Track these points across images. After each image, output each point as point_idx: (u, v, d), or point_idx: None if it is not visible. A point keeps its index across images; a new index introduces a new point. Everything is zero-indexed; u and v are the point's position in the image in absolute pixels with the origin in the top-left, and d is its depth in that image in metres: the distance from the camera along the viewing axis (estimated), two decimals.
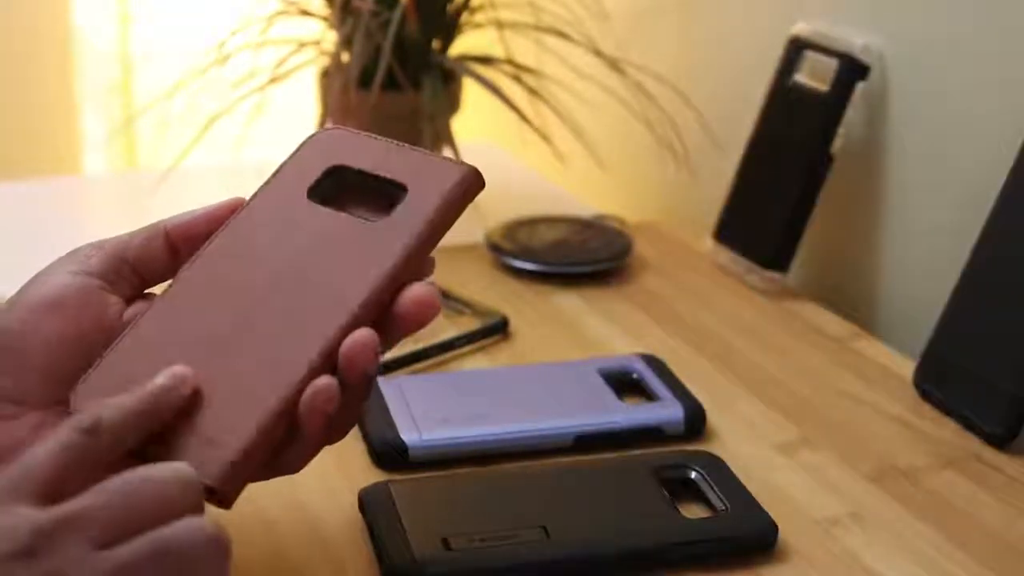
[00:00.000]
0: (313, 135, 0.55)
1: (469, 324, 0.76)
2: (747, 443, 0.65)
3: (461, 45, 1.00)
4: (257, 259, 0.50)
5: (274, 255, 0.50)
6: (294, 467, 0.48)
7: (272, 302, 0.49)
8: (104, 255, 0.51)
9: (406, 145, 0.53)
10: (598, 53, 0.96)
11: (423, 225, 0.50)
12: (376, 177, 0.52)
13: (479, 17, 0.99)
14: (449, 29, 0.98)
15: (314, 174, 0.53)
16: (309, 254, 0.50)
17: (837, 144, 0.82)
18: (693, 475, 0.60)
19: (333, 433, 0.48)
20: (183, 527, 0.40)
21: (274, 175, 0.53)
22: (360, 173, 0.52)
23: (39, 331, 0.48)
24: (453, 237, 0.96)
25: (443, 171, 0.52)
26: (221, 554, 0.41)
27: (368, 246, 0.50)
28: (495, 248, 0.88)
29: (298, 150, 0.54)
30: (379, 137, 0.54)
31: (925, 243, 0.80)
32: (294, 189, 0.52)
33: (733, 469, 0.60)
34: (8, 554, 0.38)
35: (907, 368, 0.73)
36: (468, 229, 0.95)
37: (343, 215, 0.51)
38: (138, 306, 0.51)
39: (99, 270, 0.50)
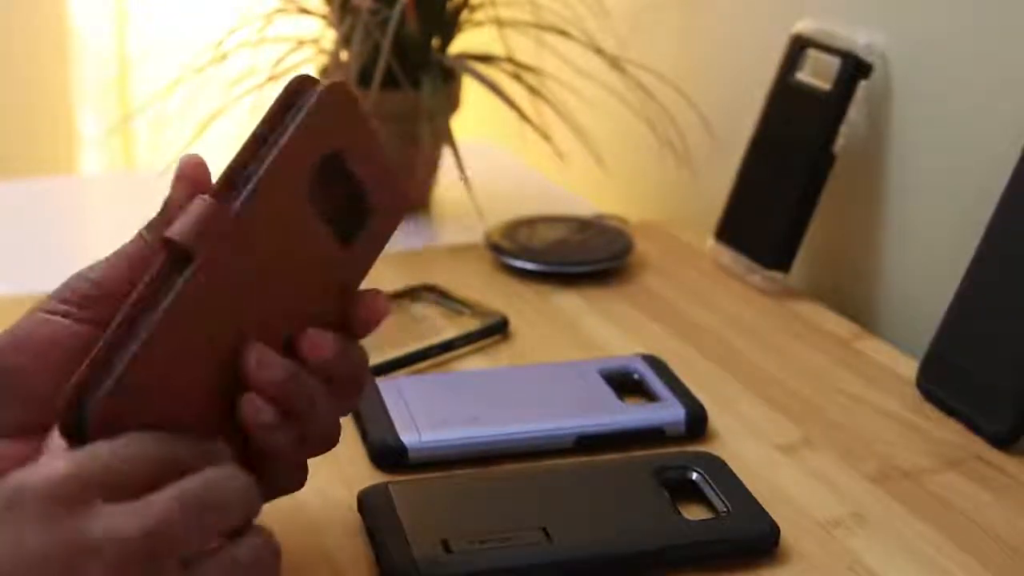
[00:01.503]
0: (324, 93, 0.47)
1: (469, 324, 0.76)
2: (748, 444, 0.65)
3: (461, 43, 1.00)
4: (260, 274, 0.47)
5: (273, 274, 0.47)
6: (289, 482, 0.49)
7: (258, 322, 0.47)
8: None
9: (383, 146, 0.50)
10: (599, 51, 0.95)
11: (373, 259, 0.50)
12: (359, 186, 0.49)
13: (479, 15, 0.99)
14: (449, 27, 0.98)
15: (315, 156, 0.47)
16: (289, 273, 0.47)
17: (839, 143, 0.82)
18: (694, 476, 0.59)
19: (314, 444, 0.48)
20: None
21: (285, 137, 0.46)
22: (349, 176, 0.49)
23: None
24: (453, 237, 0.95)
25: (399, 198, 0.50)
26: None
27: (329, 278, 0.48)
28: (495, 248, 0.87)
29: (312, 110, 0.46)
30: (371, 122, 0.49)
31: (928, 242, 0.80)
32: (296, 180, 0.47)
33: (734, 470, 0.60)
34: None
35: (909, 368, 0.72)
36: (468, 229, 0.95)
37: (324, 232, 0.48)
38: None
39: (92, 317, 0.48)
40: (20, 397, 0.48)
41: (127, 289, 0.46)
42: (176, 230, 0.44)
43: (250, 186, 0.45)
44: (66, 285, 0.49)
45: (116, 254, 0.49)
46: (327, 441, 0.49)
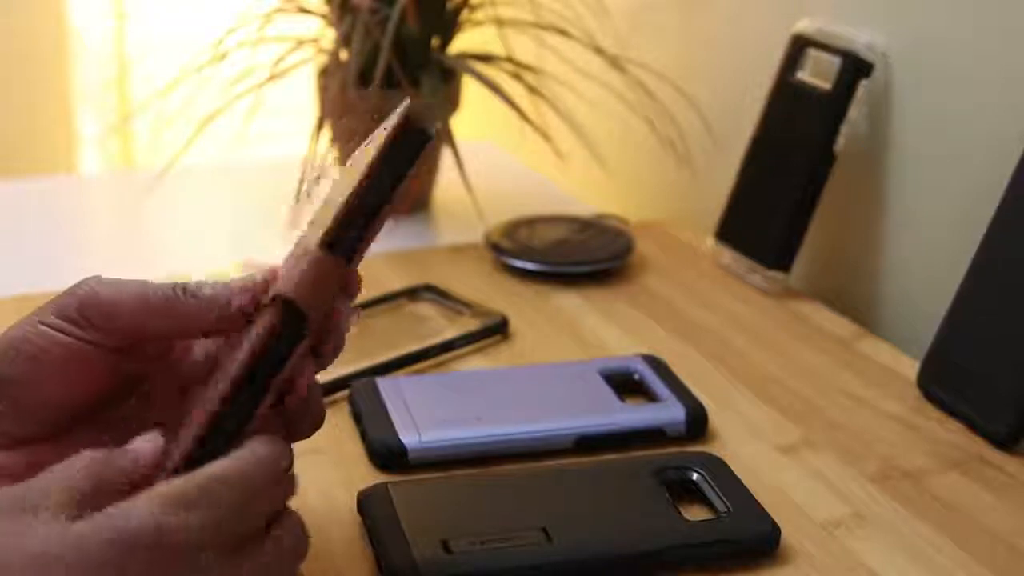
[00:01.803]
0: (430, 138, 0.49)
1: (469, 324, 0.76)
2: (749, 444, 0.65)
3: (461, 43, 1.00)
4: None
5: None
6: None
7: None
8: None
9: None
10: (598, 51, 0.95)
11: None
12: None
13: (479, 14, 0.99)
14: (449, 27, 0.98)
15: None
16: None
17: (840, 143, 0.82)
18: (695, 476, 0.59)
19: (305, 427, 0.49)
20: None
21: (396, 193, 0.48)
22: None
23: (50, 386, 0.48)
24: (453, 237, 0.95)
25: None
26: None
27: None
28: (495, 248, 0.87)
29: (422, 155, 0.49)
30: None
31: (929, 243, 0.80)
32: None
33: (735, 470, 0.60)
34: None
35: (910, 368, 0.72)
36: (468, 229, 0.95)
37: None
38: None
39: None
40: (15, 408, 0.47)
41: (143, 336, 0.48)
42: (299, 295, 0.45)
43: (364, 243, 0.46)
44: (72, 299, 0.47)
45: (139, 297, 0.47)
46: (318, 423, 0.49)
